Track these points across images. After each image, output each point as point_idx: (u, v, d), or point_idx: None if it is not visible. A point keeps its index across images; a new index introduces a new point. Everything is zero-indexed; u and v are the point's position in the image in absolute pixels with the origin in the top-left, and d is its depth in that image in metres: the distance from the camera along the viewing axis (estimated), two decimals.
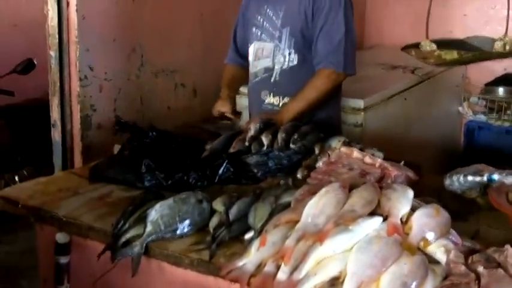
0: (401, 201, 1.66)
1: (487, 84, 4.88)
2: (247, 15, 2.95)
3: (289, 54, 2.75)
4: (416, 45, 2.77)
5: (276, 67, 2.80)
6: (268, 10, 2.82)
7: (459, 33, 5.01)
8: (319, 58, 2.69)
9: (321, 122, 2.67)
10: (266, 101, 2.86)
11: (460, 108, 4.90)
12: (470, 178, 2.07)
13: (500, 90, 4.78)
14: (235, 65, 3.06)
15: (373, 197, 1.67)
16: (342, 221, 1.56)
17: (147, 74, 3.38)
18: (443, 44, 2.62)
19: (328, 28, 2.67)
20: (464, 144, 5.00)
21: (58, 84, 3.00)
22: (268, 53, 2.81)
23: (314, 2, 2.68)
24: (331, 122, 2.82)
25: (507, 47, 2.41)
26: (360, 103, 3.35)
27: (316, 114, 2.74)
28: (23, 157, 4.33)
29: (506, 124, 4.66)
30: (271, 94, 2.84)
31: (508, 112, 4.66)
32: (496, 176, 2.04)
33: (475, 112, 4.83)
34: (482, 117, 4.79)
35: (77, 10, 2.93)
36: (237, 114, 2.96)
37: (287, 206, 1.80)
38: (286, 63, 2.77)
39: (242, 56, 3.03)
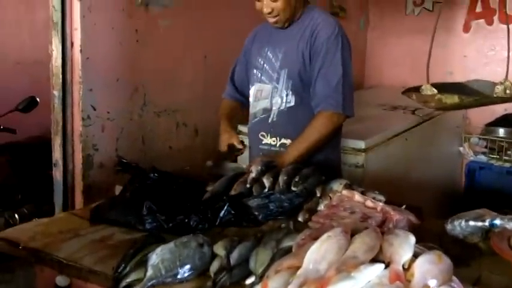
0: (403, 247, 1.64)
1: (487, 125, 4.91)
2: (249, 56, 2.98)
3: (287, 95, 2.78)
4: (417, 89, 2.78)
5: (273, 108, 2.82)
6: (268, 52, 2.85)
7: (459, 75, 5.07)
8: (317, 100, 2.71)
9: (320, 164, 2.67)
10: (264, 142, 2.87)
11: (461, 149, 4.92)
12: (472, 223, 2.06)
13: (501, 131, 4.81)
14: (232, 100, 3.09)
15: (375, 243, 1.66)
16: (344, 268, 1.55)
17: (150, 114, 3.40)
18: (444, 87, 2.63)
19: (326, 70, 2.69)
20: (465, 185, 5.00)
21: (61, 123, 3.01)
22: (267, 94, 2.84)
23: (311, 44, 2.72)
24: (330, 163, 2.82)
25: (507, 91, 2.42)
26: (361, 144, 3.36)
27: (315, 156, 2.74)
28: (23, 194, 4.32)
29: (507, 165, 4.67)
30: (269, 135, 2.85)
31: (509, 152, 4.67)
32: (498, 221, 2.03)
33: (476, 152, 4.84)
34: (483, 158, 4.79)
35: (81, 51, 2.97)
36: (244, 144, 2.93)
37: (288, 250, 1.79)
38: (284, 104, 2.79)
39: (240, 92, 3.06)
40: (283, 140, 2.80)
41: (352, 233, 1.74)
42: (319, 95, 2.70)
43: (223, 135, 2.93)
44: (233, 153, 2.83)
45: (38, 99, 4.14)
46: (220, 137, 2.94)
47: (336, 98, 2.67)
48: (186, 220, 2.10)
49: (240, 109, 3.05)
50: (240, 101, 3.06)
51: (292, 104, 2.78)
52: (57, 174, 3.06)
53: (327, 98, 2.68)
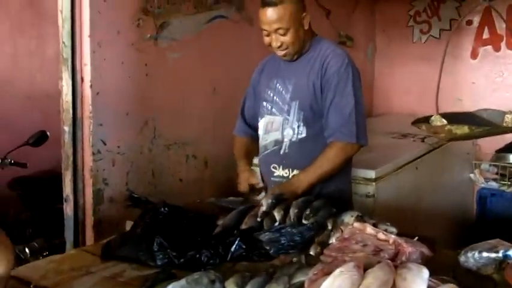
0: (417, 281, 1.63)
1: (497, 151, 4.89)
2: (258, 89, 2.99)
3: (298, 127, 2.78)
4: (427, 119, 2.78)
5: (285, 140, 2.81)
6: (277, 85, 2.86)
7: (468, 101, 5.08)
8: (331, 131, 2.71)
9: (332, 195, 2.66)
10: (276, 174, 2.86)
11: (472, 176, 4.90)
12: (485, 254, 2.03)
13: (511, 157, 4.79)
14: (245, 136, 3.08)
15: (388, 278, 1.65)
16: None
17: (160, 147, 3.41)
18: (454, 117, 2.64)
19: (338, 101, 2.70)
20: (477, 212, 4.97)
21: (71, 158, 3.03)
22: (278, 126, 2.84)
23: (322, 75, 2.73)
24: (342, 195, 2.81)
25: None
26: (371, 173, 3.35)
27: (326, 187, 2.74)
28: (34, 228, 4.31)
29: None
30: (281, 166, 2.84)
31: None
32: (511, 252, 2.01)
33: (487, 179, 4.82)
34: (494, 184, 4.77)
35: (91, 86, 2.99)
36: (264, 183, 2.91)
37: (301, 286, 1.77)
38: (295, 135, 2.79)
39: (251, 127, 3.06)
40: (296, 172, 2.78)
41: (365, 267, 1.72)
42: (332, 125, 2.70)
43: (242, 175, 2.91)
44: (254, 193, 2.77)
45: (48, 133, 4.16)
46: (240, 177, 2.92)
47: (349, 128, 2.67)
48: (197, 255, 2.09)
49: (254, 144, 3.02)
50: (252, 135, 3.05)
51: (304, 135, 2.78)
52: (68, 209, 3.07)
53: (340, 128, 2.68)
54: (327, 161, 2.69)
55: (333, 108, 2.71)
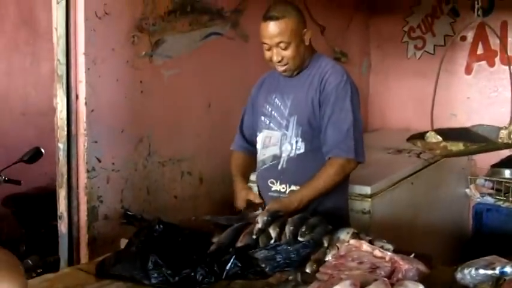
0: None
1: (493, 166, 4.88)
2: (256, 104, 2.99)
3: (296, 142, 2.78)
4: (422, 136, 2.78)
5: (283, 155, 2.82)
6: (276, 99, 2.87)
7: (463, 117, 5.10)
8: (329, 147, 2.71)
9: (328, 212, 2.66)
10: (273, 189, 2.86)
11: (467, 191, 4.89)
12: (482, 271, 2.03)
13: (507, 172, 4.77)
14: (243, 151, 3.08)
15: None
16: None
17: (154, 164, 3.39)
18: (449, 134, 2.64)
19: (337, 117, 2.70)
20: (473, 227, 4.94)
21: (66, 176, 3.00)
22: (276, 141, 2.84)
23: (321, 91, 2.74)
24: (339, 212, 2.80)
25: None
26: (367, 190, 3.35)
27: (323, 204, 2.74)
28: (28, 246, 4.28)
29: None
30: (278, 182, 2.84)
31: None
32: (508, 269, 2.00)
33: (482, 194, 4.80)
34: (489, 199, 4.76)
35: (85, 103, 2.98)
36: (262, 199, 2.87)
37: None
38: (293, 151, 2.79)
39: (249, 142, 3.05)
40: (293, 187, 2.79)
41: (361, 285, 1.72)
42: (330, 141, 2.71)
43: (239, 193, 2.89)
44: (252, 209, 2.73)
45: (42, 150, 4.14)
46: (237, 194, 2.90)
47: (348, 144, 2.68)
48: (192, 274, 2.08)
49: (252, 160, 3.02)
50: (250, 150, 3.04)
51: (302, 150, 2.78)
52: (62, 226, 3.05)
53: (338, 144, 2.68)
54: (328, 177, 2.69)
55: (331, 124, 2.71)
